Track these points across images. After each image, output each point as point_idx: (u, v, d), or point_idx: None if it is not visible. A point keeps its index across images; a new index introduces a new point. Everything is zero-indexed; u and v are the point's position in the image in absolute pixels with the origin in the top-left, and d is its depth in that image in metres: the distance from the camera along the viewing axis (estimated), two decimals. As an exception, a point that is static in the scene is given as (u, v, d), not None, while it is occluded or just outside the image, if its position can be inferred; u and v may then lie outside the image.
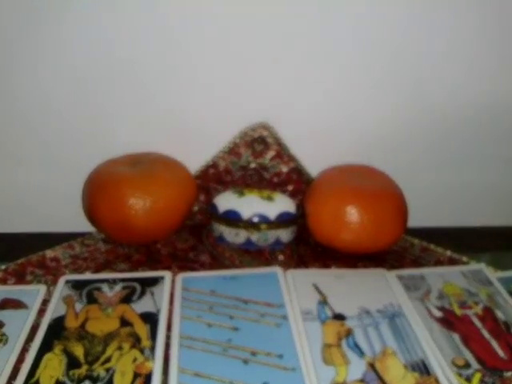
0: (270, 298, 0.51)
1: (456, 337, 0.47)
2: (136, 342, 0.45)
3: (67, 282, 0.53)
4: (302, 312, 0.49)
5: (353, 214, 0.55)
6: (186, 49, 0.58)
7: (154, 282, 0.53)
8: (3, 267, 0.55)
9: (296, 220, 0.61)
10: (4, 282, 0.54)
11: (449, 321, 0.49)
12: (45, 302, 0.50)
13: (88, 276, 0.55)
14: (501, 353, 0.45)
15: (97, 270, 0.56)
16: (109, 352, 0.44)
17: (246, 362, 0.43)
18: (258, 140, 0.64)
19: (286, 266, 0.58)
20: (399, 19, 0.58)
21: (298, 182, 0.67)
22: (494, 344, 0.46)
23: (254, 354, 0.44)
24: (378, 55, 0.60)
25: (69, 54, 0.57)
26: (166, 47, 0.58)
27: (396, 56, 0.60)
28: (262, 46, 0.59)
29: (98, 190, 0.56)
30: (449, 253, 0.61)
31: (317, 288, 0.52)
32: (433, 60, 0.61)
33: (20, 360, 0.43)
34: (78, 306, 0.49)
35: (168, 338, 0.46)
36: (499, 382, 0.42)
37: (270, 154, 0.65)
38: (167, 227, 0.59)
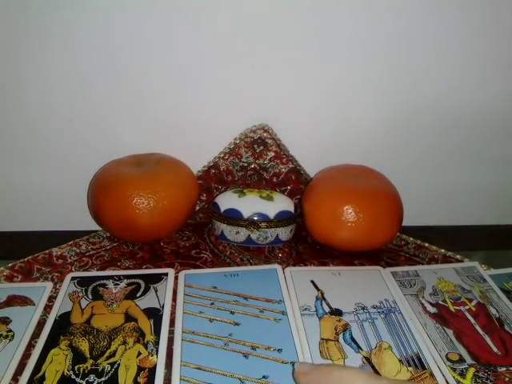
0: (269, 294, 0.51)
1: (450, 332, 0.47)
2: (140, 336, 0.45)
3: (73, 278, 0.53)
4: (300, 308, 0.49)
5: (349, 213, 0.55)
6: (188, 52, 0.58)
7: (158, 278, 0.53)
8: (10, 265, 0.56)
9: (295, 219, 0.61)
10: (11, 279, 0.54)
11: (443, 316, 0.49)
12: (51, 299, 0.51)
13: (93, 273, 0.55)
14: (494, 348, 0.45)
15: (102, 268, 0.56)
16: (113, 347, 0.44)
17: (246, 355, 0.43)
18: (258, 141, 0.65)
19: (285, 263, 0.58)
20: (395, 24, 0.58)
21: (296, 182, 0.67)
22: (488, 339, 0.46)
23: (254, 348, 0.44)
24: (375, 59, 0.60)
25: (77, 59, 0.58)
26: (169, 51, 0.58)
27: (392, 59, 0.61)
28: (262, 50, 0.59)
29: (104, 190, 0.57)
30: (443, 251, 0.62)
31: (314, 284, 0.53)
32: (427, 62, 0.61)
33: (26, 355, 0.43)
34: (84, 302, 0.50)
35: (171, 332, 0.46)
36: (493, 377, 0.42)
37: (270, 154, 0.65)
38: (170, 226, 0.60)
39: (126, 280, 0.53)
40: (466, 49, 0.61)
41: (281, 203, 0.61)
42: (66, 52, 0.57)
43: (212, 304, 0.50)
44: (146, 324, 0.47)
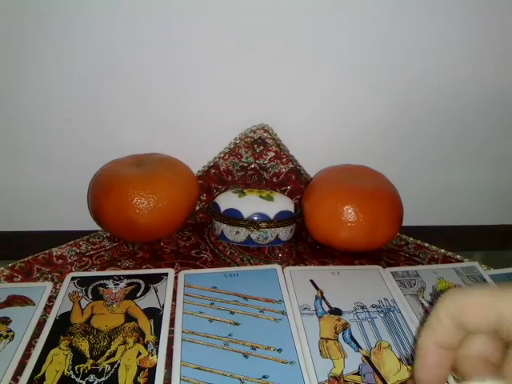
0: (269, 294, 0.51)
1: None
2: (140, 336, 0.45)
3: (73, 278, 0.53)
4: (300, 307, 0.49)
5: (349, 213, 0.55)
6: (188, 52, 0.59)
7: (158, 278, 0.53)
8: (10, 265, 0.55)
9: (295, 219, 0.61)
10: (11, 279, 0.54)
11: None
12: (51, 299, 0.50)
13: (93, 273, 0.55)
14: None
15: (102, 268, 0.56)
16: (113, 347, 0.44)
17: (246, 355, 0.43)
18: (258, 141, 0.65)
19: (285, 263, 0.58)
20: (396, 24, 0.58)
21: (296, 182, 0.67)
22: None
23: (253, 348, 0.44)
24: (375, 59, 0.61)
25: (77, 59, 0.58)
26: (168, 51, 0.58)
27: (392, 60, 0.61)
28: (262, 50, 0.59)
29: (104, 190, 0.57)
30: (443, 251, 0.62)
31: (314, 284, 0.53)
32: (426, 62, 0.61)
33: (26, 355, 0.43)
34: (84, 302, 0.50)
35: (171, 332, 0.46)
36: None
37: (270, 154, 0.65)
38: (170, 226, 0.60)
39: (126, 280, 0.53)
40: (462, 48, 0.61)
41: (281, 203, 0.61)
42: (65, 52, 0.57)
43: (212, 304, 0.50)
44: (145, 324, 0.47)
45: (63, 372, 0.41)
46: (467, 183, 0.71)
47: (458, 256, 0.61)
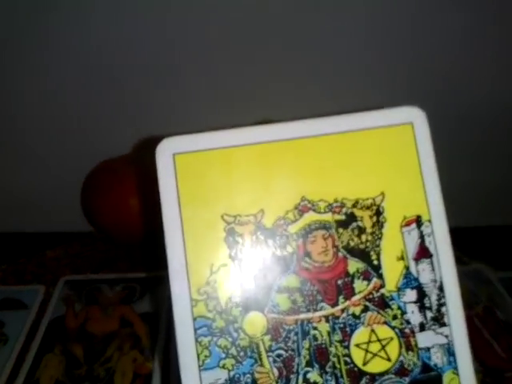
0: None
1: (456, 336, 0.47)
2: (136, 342, 0.45)
3: (67, 282, 0.53)
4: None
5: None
6: (185, 50, 0.58)
7: (154, 282, 0.53)
8: (3, 267, 0.55)
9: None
10: (4, 281, 0.53)
11: (448, 320, 0.49)
12: (44, 302, 0.50)
13: (88, 276, 0.54)
14: (501, 353, 0.45)
15: (96, 270, 0.56)
16: (109, 352, 0.44)
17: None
18: (258, 140, 0.64)
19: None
20: (400, 24, 0.58)
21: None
22: (495, 344, 0.46)
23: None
24: (374, 61, 0.60)
25: (72, 60, 0.57)
26: (165, 48, 0.58)
27: (394, 59, 0.60)
28: (263, 48, 0.59)
29: (97, 190, 0.56)
30: (449, 252, 0.61)
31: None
32: (432, 58, 0.61)
33: (20, 360, 0.43)
34: (78, 307, 0.49)
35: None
36: (500, 382, 0.42)
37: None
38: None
39: (121, 283, 0.53)
40: (472, 47, 0.60)
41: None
42: (62, 52, 0.57)
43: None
44: (142, 329, 0.46)
45: (57, 378, 0.41)
46: (474, 183, 0.70)
47: (464, 258, 0.60)
